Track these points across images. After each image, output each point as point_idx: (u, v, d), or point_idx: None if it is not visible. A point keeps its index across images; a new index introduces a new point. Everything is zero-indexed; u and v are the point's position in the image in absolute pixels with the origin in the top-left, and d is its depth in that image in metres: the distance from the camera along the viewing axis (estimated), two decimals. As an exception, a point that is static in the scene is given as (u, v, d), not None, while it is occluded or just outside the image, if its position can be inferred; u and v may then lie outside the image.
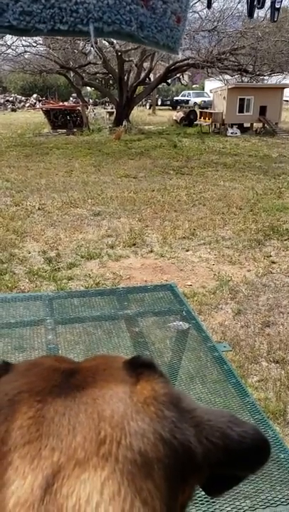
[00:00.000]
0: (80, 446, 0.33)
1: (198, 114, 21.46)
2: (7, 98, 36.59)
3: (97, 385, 0.38)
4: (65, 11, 0.32)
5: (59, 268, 4.91)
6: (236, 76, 20.26)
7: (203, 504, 1.17)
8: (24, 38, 16.79)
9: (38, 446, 0.33)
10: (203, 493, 0.41)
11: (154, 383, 0.38)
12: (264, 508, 1.18)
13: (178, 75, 24.04)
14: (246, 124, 19.45)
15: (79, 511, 0.30)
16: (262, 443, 0.39)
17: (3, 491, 0.32)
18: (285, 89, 20.94)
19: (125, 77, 19.02)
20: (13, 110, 33.37)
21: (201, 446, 0.36)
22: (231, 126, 18.74)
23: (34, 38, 17.46)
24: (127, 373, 0.39)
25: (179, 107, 26.33)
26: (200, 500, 1.16)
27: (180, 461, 0.35)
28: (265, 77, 20.22)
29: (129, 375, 0.39)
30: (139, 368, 0.40)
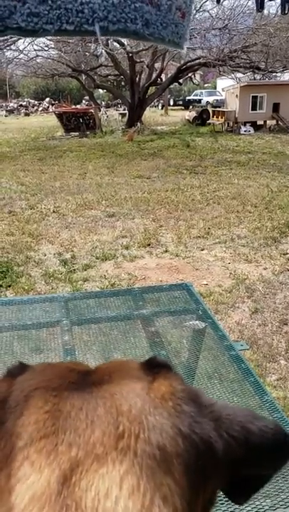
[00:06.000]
0: (99, 441, 0.33)
1: (210, 113, 21.37)
2: (20, 103, 36.96)
3: (113, 382, 0.38)
4: (71, 11, 0.32)
5: (74, 270, 4.94)
6: (248, 74, 20.13)
7: (222, 504, 1.17)
8: (36, 42, 16.93)
9: (55, 441, 0.33)
10: (221, 493, 0.40)
11: (172, 380, 0.38)
12: (285, 508, 1.17)
13: (190, 75, 23.95)
14: (259, 122, 19.32)
15: (98, 505, 0.30)
16: (284, 437, 0.38)
17: (19, 486, 0.31)
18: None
19: (137, 78, 19.04)
20: (27, 114, 33.67)
21: (221, 440, 0.36)
22: (244, 124, 18.64)
23: (46, 42, 17.59)
24: (143, 372, 0.39)
25: (191, 107, 26.26)
26: (219, 500, 1.16)
27: (200, 456, 0.34)
28: (277, 74, 20.03)
29: (146, 374, 0.39)
30: (156, 367, 0.40)
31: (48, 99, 37.39)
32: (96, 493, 0.30)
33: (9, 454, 0.33)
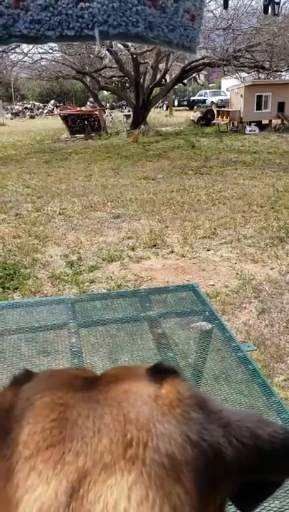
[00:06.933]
0: (107, 450, 0.32)
1: (215, 113, 21.35)
2: (25, 105, 37.10)
3: (120, 389, 0.37)
4: (72, 16, 0.32)
5: (81, 271, 4.94)
6: (253, 73, 20.09)
7: (230, 505, 1.16)
8: (40, 45, 17.02)
9: (62, 450, 0.33)
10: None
11: (179, 386, 0.38)
12: (293, 510, 1.16)
13: (194, 75, 23.93)
14: (264, 121, 19.25)
15: None
16: None
17: (27, 497, 0.31)
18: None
19: (141, 80, 19.06)
20: (32, 117, 33.82)
21: (230, 447, 0.35)
22: (249, 123, 18.58)
23: (50, 44, 17.65)
24: (150, 378, 0.39)
25: (196, 107, 26.26)
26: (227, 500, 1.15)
27: (210, 464, 0.34)
28: (282, 73, 19.97)
29: (153, 380, 0.39)
30: (163, 373, 0.39)
31: (52, 102, 37.52)
32: (104, 505, 0.30)
33: (16, 464, 0.33)
